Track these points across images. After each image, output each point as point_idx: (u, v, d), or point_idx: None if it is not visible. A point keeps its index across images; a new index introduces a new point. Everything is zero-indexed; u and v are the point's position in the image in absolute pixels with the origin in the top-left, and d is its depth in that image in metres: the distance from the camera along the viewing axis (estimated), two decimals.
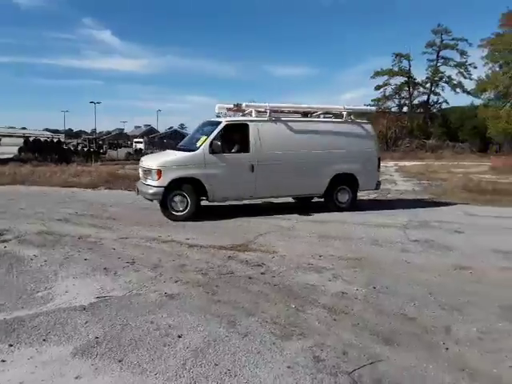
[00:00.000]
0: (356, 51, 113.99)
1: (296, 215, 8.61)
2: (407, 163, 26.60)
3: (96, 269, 4.76)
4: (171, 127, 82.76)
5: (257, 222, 7.83)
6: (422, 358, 2.89)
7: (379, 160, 9.82)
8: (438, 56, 53.67)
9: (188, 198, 7.97)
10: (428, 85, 55.24)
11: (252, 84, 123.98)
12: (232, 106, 9.34)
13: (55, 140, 36.85)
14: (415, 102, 56.55)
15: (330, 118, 9.95)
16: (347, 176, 9.23)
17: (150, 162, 8.42)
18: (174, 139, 65.46)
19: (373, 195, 11.69)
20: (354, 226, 7.61)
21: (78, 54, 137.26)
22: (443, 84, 54.25)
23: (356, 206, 9.43)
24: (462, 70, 51.81)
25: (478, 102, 42.39)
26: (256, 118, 8.76)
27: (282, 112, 9.38)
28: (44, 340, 3.10)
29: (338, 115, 9.66)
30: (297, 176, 8.78)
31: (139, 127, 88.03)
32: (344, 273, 4.79)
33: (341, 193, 9.29)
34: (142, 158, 9.12)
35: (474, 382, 2.60)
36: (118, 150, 43.30)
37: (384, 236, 6.73)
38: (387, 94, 55.44)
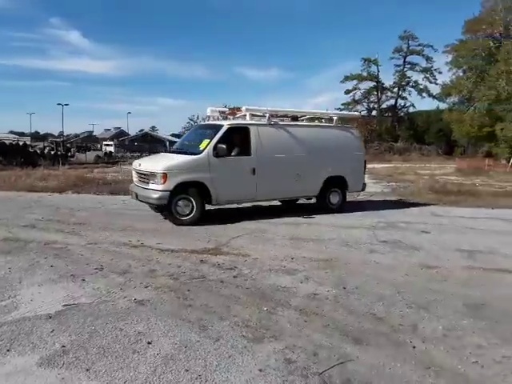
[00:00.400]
0: (327, 56, 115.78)
1: (269, 218, 8.65)
2: (376, 165, 27.20)
3: (63, 276, 4.62)
4: (142, 130, 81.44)
5: (230, 225, 7.82)
6: (390, 356, 2.95)
7: (365, 163, 10.29)
8: (404, 61, 55.40)
9: (193, 202, 7.90)
10: (395, 89, 56.90)
11: (224, 86, 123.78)
12: (225, 109, 9.63)
13: (21, 143, 35.46)
14: (383, 105, 58.13)
15: (321, 122, 10.34)
16: (338, 178, 9.64)
17: (153, 165, 8.15)
18: (145, 142, 64.60)
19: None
20: (325, 227, 7.71)
21: (45, 55, 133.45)
22: (410, 88, 56.03)
23: (345, 207, 9.79)
24: (427, 75, 53.67)
25: (443, 106, 43.89)
26: (256, 122, 8.90)
27: (277, 116, 9.50)
28: (8, 350, 2.98)
29: (328, 120, 10.11)
30: (294, 179, 8.99)
31: (109, 130, 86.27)
32: (315, 274, 4.84)
33: (332, 195, 9.65)
34: (139, 162, 8.92)
35: (440, 379, 2.67)
36: (87, 153, 42.34)
37: (354, 237, 6.86)
38: (357, 98, 56.77)
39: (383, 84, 56.61)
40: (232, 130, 8.45)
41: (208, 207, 9.01)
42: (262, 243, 6.40)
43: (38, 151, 35.31)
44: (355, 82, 55.59)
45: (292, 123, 9.67)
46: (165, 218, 8.23)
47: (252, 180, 8.50)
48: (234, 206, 9.57)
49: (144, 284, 4.40)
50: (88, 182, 14.84)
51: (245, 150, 8.52)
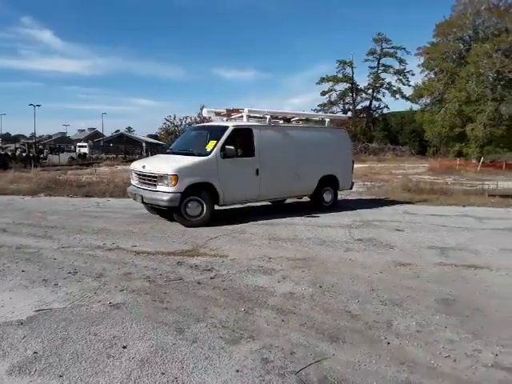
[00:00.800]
0: (303, 57, 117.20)
1: (247, 218, 8.66)
2: None
3: (35, 281, 4.50)
4: (118, 130, 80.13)
5: (207, 226, 7.78)
6: (366, 353, 3.00)
7: (353, 163, 10.85)
8: (378, 63, 56.49)
9: (203, 203, 7.92)
10: (370, 91, 57.94)
11: (201, 87, 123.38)
12: (221, 110, 9.63)
13: None
14: (358, 107, 59.11)
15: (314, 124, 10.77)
16: (330, 177, 10.06)
17: (161, 167, 8.00)
18: (121, 143, 63.46)
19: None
20: (302, 227, 7.77)
21: (16, 55, 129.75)
22: (384, 90, 57.18)
23: (337, 204, 10.37)
24: (400, 77, 54.90)
25: (416, 107, 44.93)
26: (257, 124, 9.07)
27: (272, 118, 9.50)
28: None
29: (320, 122, 10.67)
30: (293, 178, 9.27)
31: (83, 131, 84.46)
32: (292, 273, 4.87)
33: (326, 193, 10.09)
34: (141, 163, 8.72)
35: (413, 375, 2.73)
36: (60, 154, 41.25)
37: (330, 236, 6.94)
38: (332, 99, 57.51)
39: (358, 86, 57.62)
40: (236, 131, 8.52)
41: None
42: (240, 244, 6.40)
43: (9, 153, 34.22)
44: (331, 83, 56.34)
45: (290, 125, 10.04)
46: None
47: (256, 180, 8.66)
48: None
49: (119, 287, 4.32)
50: (61, 184, 14.46)
51: (249, 151, 8.64)
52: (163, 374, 2.70)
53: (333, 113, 56.34)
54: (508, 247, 6.19)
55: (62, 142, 62.62)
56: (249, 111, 9.13)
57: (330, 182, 10.05)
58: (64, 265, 5.09)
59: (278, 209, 10.07)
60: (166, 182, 7.65)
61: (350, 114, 58.50)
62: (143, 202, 8.13)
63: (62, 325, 3.41)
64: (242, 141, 8.61)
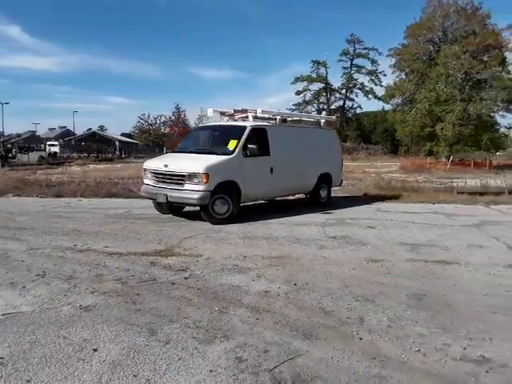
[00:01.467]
0: (279, 57, 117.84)
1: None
2: None
3: (1, 284, 4.34)
4: (90, 129, 78.38)
5: (182, 225, 7.72)
6: (339, 349, 3.03)
7: (342, 161, 11.69)
8: (351, 64, 57.44)
9: (230, 201, 8.09)
10: (343, 91, 58.88)
11: (177, 85, 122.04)
12: (226, 110, 10.07)
13: None
14: (332, 106, 59.96)
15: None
16: (326, 175, 10.65)
17: (189, 165, 8.00)
18: (93, 142, 62.10)
19: (297, 195, 12.05)
20: (278, 225, 7.80)
21: None
22: (357, 90, 58.26)
23: (331, 201, 10.93)
24: (373, 78, 56.05)
25: (388, 107, 45.81)
26: (269, 124, 9.47)
27: (264, 119, 9.80)
28: None
29: (316, 123, 11.32)
30: (298, 176, 9.79)
31: (54, 129, 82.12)
32: (267, 272, 4.88)
33: (322, 190, 10.64)
34: (162, 162, 8.53)
35: (385, 369, 2.77)
36: (30, 153, 40.07)
37: (305, 234, 6.99)
38: (307, 99, 58.08)
39: (332, 86, 58.46)
40: (254, 130, 8.82)
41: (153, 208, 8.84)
42: (215, 243, 6.37)
43: None
44: (305, 83, 56.87)
45: (295, 125, 10.50)
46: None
47: (270, 178, 9.00)
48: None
49: (90, 289, 4.22)
50: (30, 184, 14.01)
51: (265, 150, 8.92)
52: (135, 376, 2.65)
53: (308, 112, 57.09)
54: (476, 243, 6.39)
55: (31, 141, 60.76)
56: (262, 111, 9.47)
57: (325, 180, 10.61)
58: (32, 267, 4.93)
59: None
60: (196, 181, 7.75)
61: (324, 113, 59.24)
62: (167, 202, 8.08)
63: (29, 329, 3.30)
64: (258, 140, 8.82)
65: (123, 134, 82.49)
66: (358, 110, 60.33)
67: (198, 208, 8.13)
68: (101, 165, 34.08)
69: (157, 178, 8.41)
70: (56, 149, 50.03)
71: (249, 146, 8.41)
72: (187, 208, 8.92)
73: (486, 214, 9.30)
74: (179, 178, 7.94)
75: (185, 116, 62.18)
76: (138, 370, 2.71)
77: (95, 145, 59.85)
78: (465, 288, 4.36)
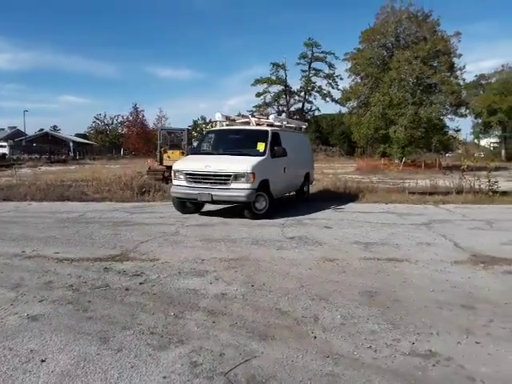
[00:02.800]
0: (239, 58, 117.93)
1: (181, 219, 8.54)
2: None
3: None
4: (42, 129, 74.76)
5: (138, 229, 7.54)
6: (294, 348, 3.08)
7: (313, 161, 13.44)
8: (309, 67, 58.43)
9: (266, 197, 8.84)
10: (302, 93, 59.72)
11: (134, 85, 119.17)
12: (237, 117, 11.52)
13: None
14: (292, 109, 60.59)
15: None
16: (307, 174, 12.16)
17: (234, 166, 8.55)
18: (45, 143, 59.32)
19: None
20: (237, 227, 7.81)
21: None
22: (315, 93, 59.29)
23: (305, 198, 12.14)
24: (330, 81, 57.32)
25: (344, 109, 46.95)
26: (279, 128, 10.57)
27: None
28: None
29: (298, 128, 12.92)
30: (296, 175, 11.16)
31: (2, 129, 77.67)
32: (225, 274, 4.87)
33: (305, 187, 12.10)
34: (199, 164, 8.90)
35: (338, 366, 2.84)
36: None
37: (264, 235, 7.04)
38: (267, 101, 58.45)
39: (291, 88, 59.14)
40: (273, 134, 9.71)
41: (111, 213, 8.64)
42: (173, 246, 6.27)
43: None
44: (265, 85, 57.26)
45: (291, 130, 11.81)
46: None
47: (284, 177, 10.08)
48: (142, 210, 9.24)
49: (38, 298, 4.04)
50: None
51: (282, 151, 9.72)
52: None
53: (267, 114, 57.56)
54: (425, 241, 6.68)
55: None
56: (274, 118, 11.06)
57: (307, 178, 12.13)
58: None
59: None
60: (243, 180, 8.40)
61: (284, 115, 59.95)
62: (213, 201, 8.58)
63: None
64: (276, 143, 9.65)
65: (78, 135, 79.46)
66: (317, 113, 61.56)
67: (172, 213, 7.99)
68: (53, 167, 32.68)
69: (195, 178, 8.77)
70: (5, 150, 47.48)
71: (276, 147, 9.36)
72: (147, 211, 8.72)
73: (435, 213, 9.75)
74: (225, 178, 8.49)
75: (143, 116, 60.85)
76: (88, 380, 2.63)
77: (48, 146, 57.24)
78: (414, 284, 4.55)
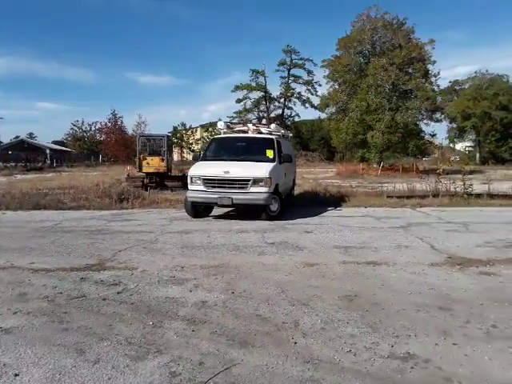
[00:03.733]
0: (219, 65, 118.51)
1: (160, 227, 8.44)
2: None
3: None
4: (18, 136, 72.88)
5: (116, 237, 7.41)
6: (274, 355, 3.06)
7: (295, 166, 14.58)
8: (289, 74, 58.75)
9: (278, 200, 9.52)
10: (282, 100, 60.02)
11: (113, 91, 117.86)
12: (239, 125, 12.46)
13: None
14: (272, 114, 60.76)
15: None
16: (294, 179, 13.33)
17: (252, 171, 9.18)
18: (21, 150, 57.86)
19: None
20: (217, 233, 7.76)
21: None
22: (295, 99, 59.62)
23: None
24: (309, 88, 57.70)
25: (323, 115, 47.44)
26: (278, 136, 11.21)
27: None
28: None
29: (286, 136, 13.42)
30: (290, 179, 12.20)
31: None
32: (205, 281, 4.82)
33: (292, 191, 13.12)
34: (221, 169, 9.27)
35: (318, 372, 2.84)
36: None
37: (244, 241, 7.02)
38: (247, 107, 58.49)
39: (271, 94, 59.35)
40: (277, 142, 10.44)
41: (87, 222, 8.49)
42: (151, 254, 6.19)
43: None
44: (245, 91, 57.36)
45: (283, 138, 12.28)
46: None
47: (285, 181, 10.91)
48: (116, 218, 9.08)
49: (12, 310, 3.92)
50: None
51: (286, 157, 10.59)
52: None
53: (248, 119, 57.74)
54: (403, 244, 6.79)
55: None
56: (275, 126, 11.76)
57: (293, 182, 13.23)
58: None
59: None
60: (261, 184, 9.05)
61: (264, 121, 60.20)
62: (233, 204, 9.13)
63: None
64: (279, 150, 10.33)
65: (55, 142, 77.89)
66: (297, 119, 61.86)
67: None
68: (29, 175, 31.88)
69: (214, 184, 9.21)
70: None
71: (283, 154, 10.24)
72: (126, 218, 8.56)
73: (413, 216, 9.92)
74: (244, 183, 9.08)
75: (122, 123, 59.97)
76: None
77: (24, 153, 55.86)
78: (392, 287, 4.60)
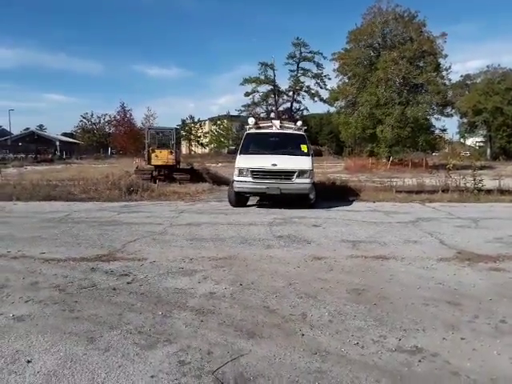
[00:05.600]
0: (228, 58, 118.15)
1: (169, 219, 8.50)
2: None
3: None
4: (28, 128, 73.54)
5: (125, 228, 7.48)
6: (282, 346, 3.09)
7: None
8: (298, 67, 58.44)
9: (315, 190, 10.46)
10: (291, 93, 59.74)
11: (121, 83, 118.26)
12: (268, 122, 12.67)
13: None
14: (280, 108, 60.54)
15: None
16: None
17: (296, 164, 10.16)
18: (31, 142, 58.44)
19: None
20: (225, 226, 7.80)
21: None
22: (303, 93, 59.32)
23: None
24: (318, 81, 57.40)
25: (332, 109, 47.19)
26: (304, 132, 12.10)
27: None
28: None
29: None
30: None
31: None
32: (214, 273, 4.86)
33: None
34: (269, 162, 10.09)
35: (325, 363, 2.86)
36: None
37: (252, 234, 7.04)
38: (256, 100, 58.36)
39: (279, 88, 59.11)
40: (308, 137, 11.61)
41: (96, 212, 8.57)
42: (161, 245, 6.24)
43: None
44: (254, 84, 57.16)
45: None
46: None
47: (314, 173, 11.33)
48: (124, 210, 9.14)
49: (24, 298, 3.99)
50: None
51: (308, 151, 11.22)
52: None
53: (256, 113, 57.56)
54: (411, 239, 6.76)
55: None
56: (301, 124, 12.49)
57: None
58: None
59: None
60: (306, 175, 10.06)
61: (272, 114, 59.94)
62: (281, 193, 9.90)
63: None
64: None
65: (64, 134, 78.53)
66: (305, 112, 61.58)
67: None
68: (40, 166, 32.22)
69: (261, 175, 9.96)
70: None
71: (314, 149, 10.98)
72: (135, 210, 8.62)
73: (422, 212, 9.87)
74: (289, 174, 9.96)
75: (131, 115, 60.21)
76: (74, 381, 2.60)
77: (34, 145, 56.47)
78: (400, 281, 4.59)
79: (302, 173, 10.01)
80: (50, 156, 51.42)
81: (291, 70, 58.62)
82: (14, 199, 11.46)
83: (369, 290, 4.29)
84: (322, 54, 55.54)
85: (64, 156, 54.80)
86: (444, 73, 35.20)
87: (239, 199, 10.51)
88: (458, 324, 3.49)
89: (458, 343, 3.16)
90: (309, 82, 58.43)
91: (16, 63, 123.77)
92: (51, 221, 8.23)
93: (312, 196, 10.33)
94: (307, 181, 10.06)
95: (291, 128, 12.33)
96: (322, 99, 56.16)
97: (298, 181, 9.96)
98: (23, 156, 47.08)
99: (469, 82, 55.28)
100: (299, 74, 58.65)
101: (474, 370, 2.79)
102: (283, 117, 60.79)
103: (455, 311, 3.77)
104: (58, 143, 63.28)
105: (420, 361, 2.91)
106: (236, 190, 10.25)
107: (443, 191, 12.63)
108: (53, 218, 8.50)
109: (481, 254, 5.77)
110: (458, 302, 3.97)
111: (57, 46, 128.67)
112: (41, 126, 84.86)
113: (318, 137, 60.09)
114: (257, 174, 10.00)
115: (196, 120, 66.20)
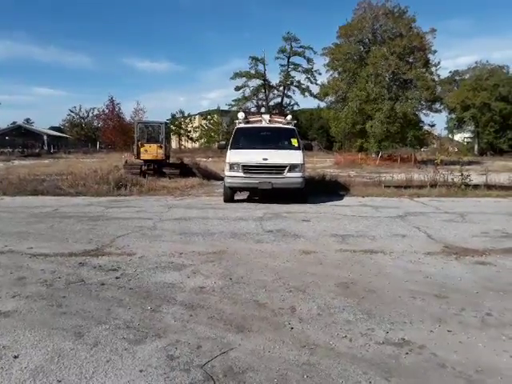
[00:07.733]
0: (218, 52, 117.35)
1: (158, 214, 8.46)
2: None
3: None
4: (14, 122, 72.31)
5: (114, 223, 7.43)
6: (271, 339, 3.10)
7: None
8: (288, 62, 58.27)
9: (306, 183, 10.42)
10: (281, 88, 59.60)
11: (110, 77, 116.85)
12: (258, 116, 12.94)
13: None
14: (271, 103, 60.44)
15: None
16: None
17: (287, 158, 10.14)
18: (18, 136, 57.51)
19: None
20: (215, 220, 7.79)
21: None
22: (294, 88, 59.20)
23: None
24: (309, 76, 57.30)
25: (322, 104, 47.21)
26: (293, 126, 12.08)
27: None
28: None
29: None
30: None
31: None
32: (203, 267, 4.85)
33: None
34: (260, 156, 10.04)
35: (313, 356, 2.88)
36: None
37: (242, 229, 7.05)
38: (246, 95, 58.06)
39: (270, 82, 58.90)
40: (297, 131, 11.55)
41: (84, 208, 8.49)
42: (150, 240, 6.21)
43: None
44: (244, 79, 56.89)
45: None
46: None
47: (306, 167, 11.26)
48: (114, 205, 9.06)
49: (11, 294, 3.94)
50: None
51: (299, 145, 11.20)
52: (59, 381, 2.52)
53: (247, 108, 57.38)
54: (399, 233, 6.83)
55: None
56: (291, 118, 12.55)
57: None
58: None
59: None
60: (297, 170, 10.03)
61: (263, 109, 59.84)
62: (272, 188, 9.85)
63: None
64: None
65: (52, 128, 77.43)
66: (296, 107, 61.53)
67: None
68: (27, 161, 31.76)
69: (253, 170, 9.92)
70: None
71: (306, 142, 11.31)
72: (124, 205, 8.56)
73: (410, 206, 9.96)
74: (281, 169, 9.94)
75: (120, 109, 59.46)
76: (62, 376, 2.58)
77: (21, 139, 55.56)
78: (388, 275, 4.64)
79: (293, 167, 10.00)
80: (37, 150, 50.69)
81: (282, 65, 58.50)
82: (1, 194, 11.30)
83: (357, 284, 4.33)
84: (312, 48, 55.43)
85: (52, 150, 54.05)
86: (433, 68, 35.46)
87: (233, 194, 10.57)
88: (444, 317, 3.54)
89: (444, 336, 3.21)
90: (299, 76, 58.41)
91: (4, 56, 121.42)
92: (39, 216, 8.13)
93: (304, 190, 10.35)
94: (299, 175, 10.06)
95: (281, 122, 12.36)
96: (312, 94, 56.16)
97: (289, 175, 9.96)
98: (10, 150, 46.35)
99: (457, 78, 55.81)
100: (290, 69, 58.55)
101: (460, 361, 2.83)
102: (274, 111, 60.89)
103: (442, 304, 3.82)
104: (45, 137, 62.31)
105: (407, 353, 2.94)
106: (227, 185, 10.23)
107: (431, 186, 12.75)
108: (40, 213, 8.40)
109: (467, 247, 5.85)
110: (444, 295, 4.02)
111: (45, 39, 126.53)
112: (28, 120, 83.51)
113: (309, 132, 60.19)
114: (248, 168, 9.96)
115: (186, 114, 65.71)
